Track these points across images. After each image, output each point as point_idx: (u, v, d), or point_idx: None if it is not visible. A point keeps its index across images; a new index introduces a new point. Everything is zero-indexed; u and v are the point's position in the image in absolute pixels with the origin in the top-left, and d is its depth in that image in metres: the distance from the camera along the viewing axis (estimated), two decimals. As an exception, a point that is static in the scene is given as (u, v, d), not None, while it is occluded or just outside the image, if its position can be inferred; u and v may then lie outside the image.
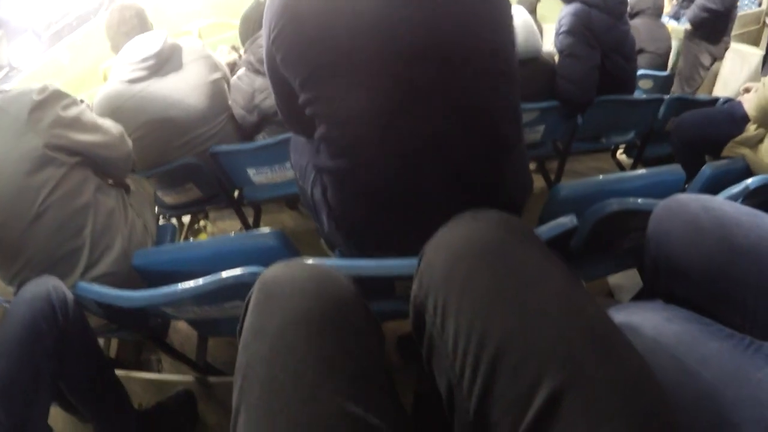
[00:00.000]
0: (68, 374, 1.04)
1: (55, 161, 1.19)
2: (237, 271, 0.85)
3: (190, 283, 0.91)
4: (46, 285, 1.03)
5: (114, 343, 1.89)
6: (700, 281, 0.73)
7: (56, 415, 1.03)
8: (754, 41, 4.68)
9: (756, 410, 0.55)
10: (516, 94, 0.93)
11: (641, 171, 1.33)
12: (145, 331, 1.32)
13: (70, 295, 1.05)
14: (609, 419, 0.41)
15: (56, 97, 1.23)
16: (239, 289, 0.89)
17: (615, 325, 0.50)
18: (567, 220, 0.90)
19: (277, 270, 0.59)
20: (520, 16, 1.91)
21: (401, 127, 0.84)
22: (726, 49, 3.57)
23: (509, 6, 0.94)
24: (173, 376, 1.57)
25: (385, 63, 0.82)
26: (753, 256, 0.69)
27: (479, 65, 0.87)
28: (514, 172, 0.95)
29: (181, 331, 1.78)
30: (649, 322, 0.66)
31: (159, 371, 1.86)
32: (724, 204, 0.76)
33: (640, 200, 0.99)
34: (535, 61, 2.07)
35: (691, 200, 0.79)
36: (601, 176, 1.24)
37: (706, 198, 0.79)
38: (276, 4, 0.86)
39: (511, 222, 0.58)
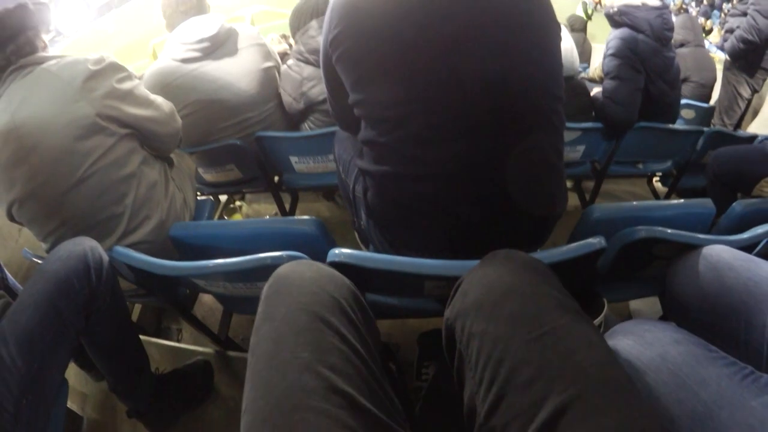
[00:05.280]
0: (93, 332, 1.07)
1: (105, 130, 1.23)
2: (276, 254, 0.89)
3: (229, 260, 0.94)
4: (84, 245, 1.06)
5: (136, 309, 1.95)
6: (698, 317, 0.84)
7: (68, 371, 1.07)
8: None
9: None
10: (562, 115, 0.96)
11: (673, 201, 1.35)
12: (174, 300, 1.36)
13: (105, 258, 1.08)
14: None
15: (112, 69, 1.26)
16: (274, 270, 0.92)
17: (616, 358, 0.60)
18: (596, 241, 0.92)
19: (288, 267, 0.70)
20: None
21: (447, 143, 0.87)
22: (764, 80, 3.50)
23: (560, 31, 0.97)
24: (192, 347, 1.60)
25: (437, 82, 0.85)
26: (743, 295, 0.78)
27: (534, 91, 0.90)
28: (551, 189, 0.97)
29: (206, 304, 1.83)
30: (659, 340, 0.71)
31: (178, 341, 1.92)
32: (722, 251, 0.87)
33: (668, 231, 1.00)
34: (570, 80, 2.11)
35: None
36: (634, 202, 1.26)
37: (709, 247, 0.90)
38: (339, 6, 0.90)
39: (536, 264, 0.69)
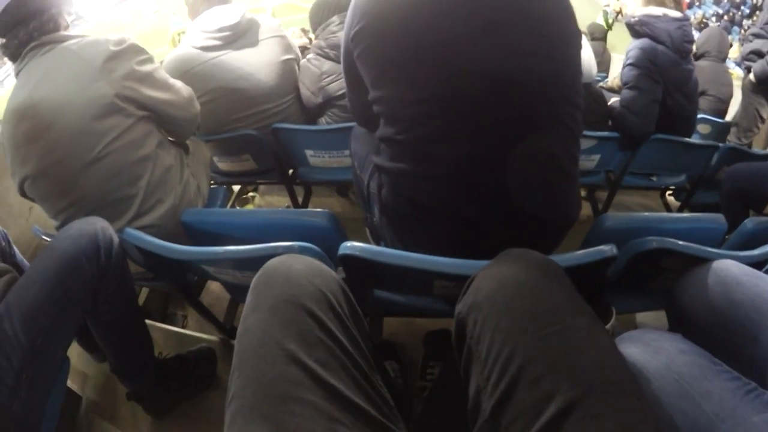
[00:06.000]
0: (99, 311, 1.08)
1: (123, 111, 1.24)
2: (288, 243, 0.89)
3: (240, 247, 0.95)
4: (95, 225, 1.06)
5: (143, 293, 1.96)
6: (704, 330, 0.83)
7: (70, 350, 1.07)
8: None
9: None
10: (580, 122, 0.96)
11: (685, 215, 1.35)
12: (181, 286, 1.36)
13: (116, 239, 1.09)
14: None
15: (133, 50, 1.27)
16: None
17: (624, 361, 0.61)
18: (607, 249, 0.91)
19: (279, 259, 0.71)
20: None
21: (463, 144, 0.87)
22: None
23: (580, 39, 0.97)
24: (197, 333, 1.62)
25: (455, 82, 0.85)
26: (750, 311, 0.78)
27: (551, 96, 0.90)
28: (564, 195, 0.97)
29: (213, 292, 1.84)
30: (665, 349, 0.72)
31: (183, 327, 1.93)
32: (731, 266, 0.87)
33: (679, 242, 1.00)
34: (588, 87, 2.09)
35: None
36: (646, 213, 1.25)
37: (718, 261, 0.89)
38: (363, 3, 0.90)
39: (550, 264, 0.69)
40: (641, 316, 1.59)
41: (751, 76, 3.37)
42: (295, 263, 0.70)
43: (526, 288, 0.64)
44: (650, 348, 0.73)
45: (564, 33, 0.92)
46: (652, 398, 0.67)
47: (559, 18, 0.92)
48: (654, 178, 2.47)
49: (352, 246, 0.84)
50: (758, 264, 1.11)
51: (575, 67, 0.95)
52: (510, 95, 0.86)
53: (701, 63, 3.47)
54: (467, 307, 0.66)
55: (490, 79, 0.85)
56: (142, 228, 1.24)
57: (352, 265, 0.85)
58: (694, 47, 3.33)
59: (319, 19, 1.99)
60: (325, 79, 1.91)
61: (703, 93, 3.36)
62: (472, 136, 0.87)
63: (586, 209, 2.56)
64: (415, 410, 1.18)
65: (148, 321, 1.34)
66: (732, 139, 3.49)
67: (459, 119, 0.87)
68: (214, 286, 1.83)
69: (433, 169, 0.90)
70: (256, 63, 1.85)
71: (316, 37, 2.01)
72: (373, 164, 1.04)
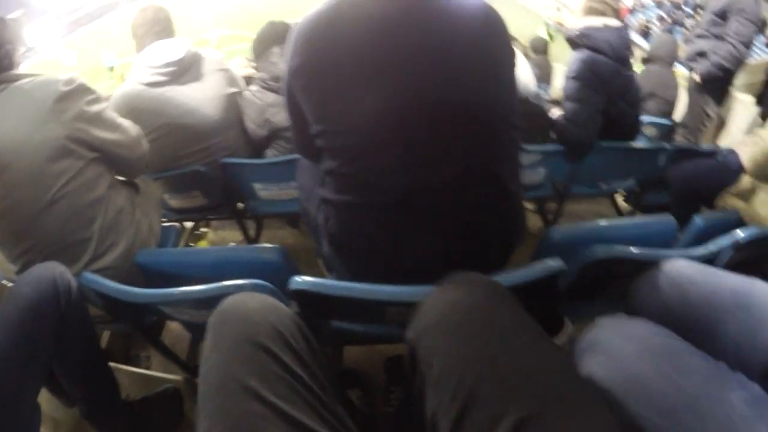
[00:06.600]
0: (64, 356, 1.06)
1: (74, 153, 1.23)
2: (240, 282, 0.89)
3: (193, 288, 0.94)
4: (53, 270, 1.05)
5: (105, 335, 1.90)
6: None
7: (40, 397, 1.05)
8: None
9: (725, 426, 0.60)
10: (518, 143, 0.99)
11: (634, 219, 1.38)
12: (141, 327, 1.34)
13: (74, 283, 1.08)
14: None
15: (82, 90, 1.26)
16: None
17: (577, 376, 0.63)
18: (554, 263, 0.93)
19: (233, 299, 0.72)
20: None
21: (407, 173, 0.89)
22: (731, 100, 3.62)
23: (515, 58, 0.99)
24: (162, 374, 1.58)
25: (396, 114, 0.87)
26: (705, 309, 0.80)
27: (493, 120, 0.92)
28: (508, 217, 0.99)
29: (173, 331, 1.80)
30: (637, 333, 0.73)
31: (147, 368, 1.88)
32: (682, 266, 0.90)
33: (626, 249, 1.02)
34: (525, 103, 2.14)
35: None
36: (594, 222, 1.28)
37: (669, 262, 0.92)
38: (300, 38, 0.91)
39: (494, 286, 0.71)
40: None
41: (696, 77, 3.51)
42: (249, 301, 0.71)
43: (473, 311, 0.65)
44: (622, 331, 0.74)
45: (497, 56, 0.95)
46: (633, 380, 0.66)
47: (491, 42, 0.94)
48: (603, 185, 2.50)
49: (301, 281, 0.84)
50: (711, 260, 1.12)
51: (510, 88, 0.98)
52: (450, 123, 0.88)
53: (650, 67, 3.59)
54: (416, 333, 0.68)
55: (429, 108, 0.87)
56: (98, 271, 1.23)
57: (304, 299, 0.85)
58: (644, 52, 3.47)
59: (260, 51, 2.01)
60: (269, 111, 1.92)
61: (652, 95, 3.47)
62: (415, 165, 0.88)
63: (536, 222, 2.58)
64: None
65: (112, 364, 1.32)
66: (680, 139, 3.61)
67: (401, 149, 0.88)
68: (173, 325, 1.80)
69: (379, 200, 0.91)
70: (200, 98, 1.85)
71: (258, 69, 2.02)
72: (319, 197, 1.04)
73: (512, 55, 0.99)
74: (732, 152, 1.88)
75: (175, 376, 1.52)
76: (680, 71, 3.90)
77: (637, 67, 3.56)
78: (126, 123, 1.43)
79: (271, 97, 1.92)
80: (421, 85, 0.86)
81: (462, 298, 0.68)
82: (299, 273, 0.87)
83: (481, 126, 0.91)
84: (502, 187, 0.95)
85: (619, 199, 2.95)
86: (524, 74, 2.01)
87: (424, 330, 0.67)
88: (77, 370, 1.12)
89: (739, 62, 3.36)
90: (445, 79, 0.87)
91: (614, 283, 1.16)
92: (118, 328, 1.68)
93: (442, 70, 0.87)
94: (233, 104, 1.97)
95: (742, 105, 3.94)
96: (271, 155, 2.03)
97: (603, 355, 0.71)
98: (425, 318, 0.68)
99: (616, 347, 0.71)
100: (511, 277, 0.89)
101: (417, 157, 0.88)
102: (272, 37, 1.97)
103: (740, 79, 3.67)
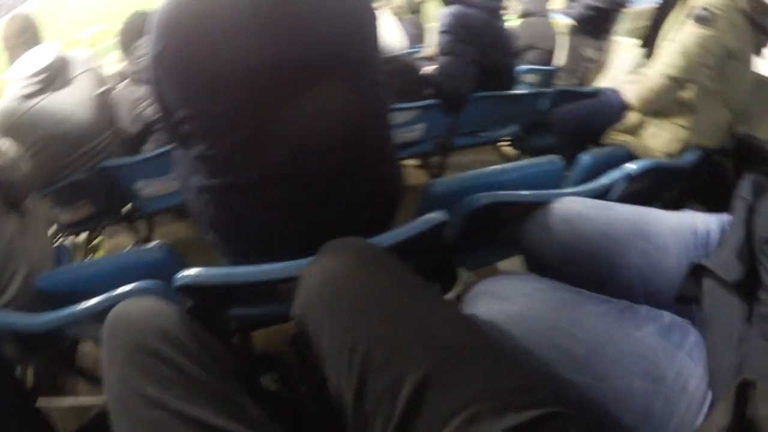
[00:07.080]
0: None
1: None
2: (128, 288, 0.89)
3: (85, 304, 0.93)
4: None
5: (31, 371, 1.82)
6: (559, 268, 0.84)
7: None
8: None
9: (640, 364, 0.61)
10: (384, 100, 1.01)
11: (518, 163, 1.38)
12: (54, 355, 1.31)
13: None
14: (472, 401, 0.51)
15: None
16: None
17: (471, 324, 0.64)
18: (435, 216, 0.95)
19: (117, 309, 0.71)
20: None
21: (276, 147, 0.90)
22: (607, 41, 3.83)
23: (375, 17, 1.00)
24: (89, 399, 1.53)
25: (258, 85, 0.87)
26: (601, 241, 0.81)
27: (351, 77, 0.94)
28: (383, 176, 1.03)
29: (91, 354, 1.74)
30: (518, 292, 0.73)
31: (75, 394, 1.82)
32: (571, 202, 0.90)
33: (510, 192, 1.05)
34: (395, 61, 2.20)
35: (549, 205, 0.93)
36: (476, 170, 1.27)
37: (558, 200, 0.93)
38: (160, 23, 0.88)
39: (371, 249, 0.72)
40: (503, 265, 1.68)
41: (571, 20, 3.70)
42: (132, 308, 0.70)
43: (351, 278, 0.66)
44: (504, 294, 0.73)
45: (358, 17, 0.96)
46: (516, 343, 0.66)
47: (351, 4, 0.95)
48: (485, 134, 2.58)
49: (184, 276, 0.83)
50: (603, 194, 1.18)
51: (373, 48, 0.99)
52: (314, 87, 0.89)
53: (529, 20, 3.76)
54: (301, 309, 0.69)
55: (291, 76, 0.88)
56: (6, 305, 1.19)
57: (192, 293, 0.85)
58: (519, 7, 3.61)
59: (127, 44, 1.93)
60: (140, 105, 1.86)
61: (531, 47, 3.64)
62: (282, 136, 0.89)
63: (422, 177, 2.60)
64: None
65: (43, 399, 1.30)
66: (561, 83, 3.80)
67: (269, 121, 0.89)
68: (89, 347, 1.74)
69: (251, 177, 0.91)
70: (73, 102, 1.79)
71: (127, 63, 1.96)
72: (195, 184, 1.03)
73: (371, 14, 0.99)
74: (614, 91, 1.94)
75: (102, 398, 1.47)
76: (561, 21, 4.07)
77: (516, 21, 3.71)
78: (5, 146, 1.36)
79: (141, 90, 1.86)
80: (281, 55, 0.87)
81: (336, 267, 0.68)
82: (187, 266, 0.86)
83: (346, 89, 0.93)
84: (373, 146, 0.98)
85: (505, 146, 3.02)
86: (389, 33, 2.06)
87: (307, 305, 0.67)
88: (4, 418, 1.08)
89: (611, 2, 3.53)
90: (307, 45, 0.88)
91: (506, 228, 1.18)
92: (38, 360, 1.61)
93: (304, 38, 0.88)
94: (105, 104, 1.91)
95: (624, 47, 4.17)
96: (150, 150, 1.97)
97: (482, 321, 0.70)
98: (305, 292, 0.69)
99: (496, 310, 0.70)
100: (394, 234, 0.91)
101: (284, 129, 0.89)
102: (139, 28, 1.88)
103: (624, 24, 3.84)
